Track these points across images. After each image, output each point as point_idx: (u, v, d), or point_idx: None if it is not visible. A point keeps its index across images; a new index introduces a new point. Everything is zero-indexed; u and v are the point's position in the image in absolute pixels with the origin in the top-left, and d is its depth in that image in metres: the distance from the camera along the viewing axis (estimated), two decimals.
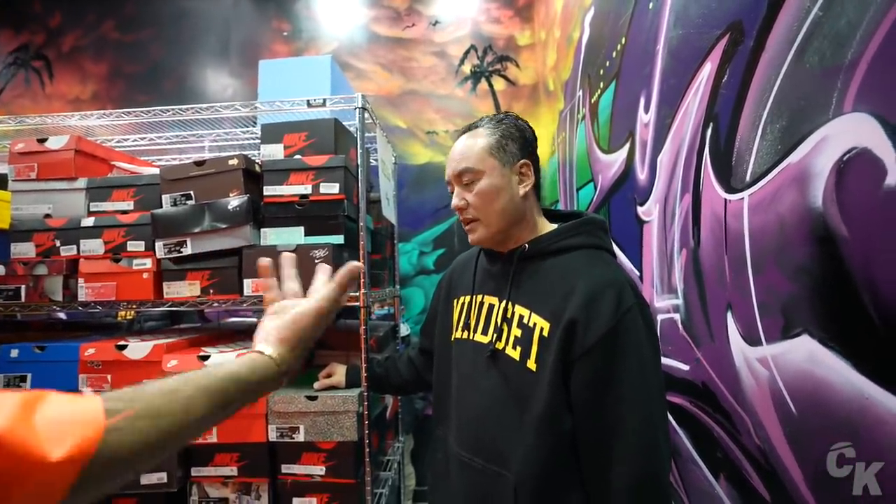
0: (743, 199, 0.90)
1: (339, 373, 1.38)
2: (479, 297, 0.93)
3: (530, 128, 0.93)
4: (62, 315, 2.29)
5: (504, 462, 0.80)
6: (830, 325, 0.71)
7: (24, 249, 1.44)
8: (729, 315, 0.96)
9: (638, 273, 1.43)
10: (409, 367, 1.24)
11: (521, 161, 0.88)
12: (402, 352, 1.32)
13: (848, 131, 0.66)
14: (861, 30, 0.63)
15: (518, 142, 0.88)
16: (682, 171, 1.15)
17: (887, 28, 0.59)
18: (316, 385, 1.36)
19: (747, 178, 0.89)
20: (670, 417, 1.21)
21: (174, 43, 2.99)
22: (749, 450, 0.91)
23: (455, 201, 0.89)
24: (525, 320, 0.82)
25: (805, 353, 0.75)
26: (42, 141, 1.48)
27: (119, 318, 2.24)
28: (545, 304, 0.81)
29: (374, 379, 1.32)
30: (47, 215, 1.48)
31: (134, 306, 1.43)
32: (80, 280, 1.41)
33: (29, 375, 1.36)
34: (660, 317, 1.27)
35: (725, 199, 0.96)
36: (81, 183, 1.48)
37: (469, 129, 0.92)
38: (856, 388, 0.66)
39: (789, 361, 0.79)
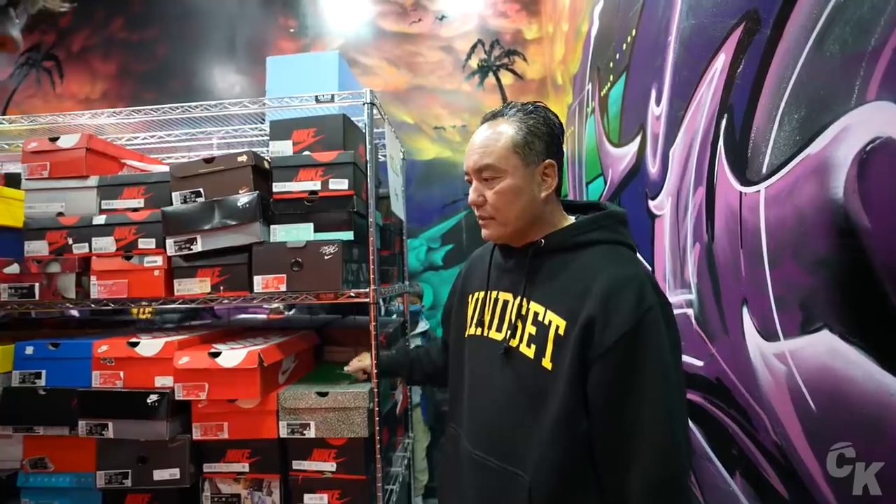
0: (759, 191, 0.88)
1: (366, 357, 1.37)
2: (494, 293, 0.90)
3: (559, 122, 0.86)
4: (75, 312, 2.32)
5: (519, 462, 0.79)
6: (852, 319, 0.69)
7: (37, 248, 1.45)
8: (744, 310, 0.94)
9: (650, 268, 1.41)
10: (442, 356, 1.17)
11: (546, 161, 0.83)
12: (437, 341, 1.25)
13: (871, 120, 0.64)
14: (886, 14, 0.61)
15: (545, 140, 0.82)
16: (695, 163, 1.13)
17: None
18: (347, 369, 1.37)
19: (764, 170, 0.87)
20: None
21: (181, 41, 3.01)
22: (766, 447, 0.90)
23: (472, 196, 0.85)
24: (540, 318, 0.80)
25: (825, 348, 0.73)
26: (54, 140, 1.49)
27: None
28: (561, 302, 0.79)
29: (402, 364, 1.24)
30: (60, 213, 1.49)
31: (146, 304, 1.44)
32: (93, 278, 1.42)
33: (44, 372, 1.38)
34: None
35: (741, 192, 0.94)
36: (93, 181, 1.49)
37: (494, 116, 0.85)
38: (880, 385, 0.64)
39: (808, 357, 0.77)
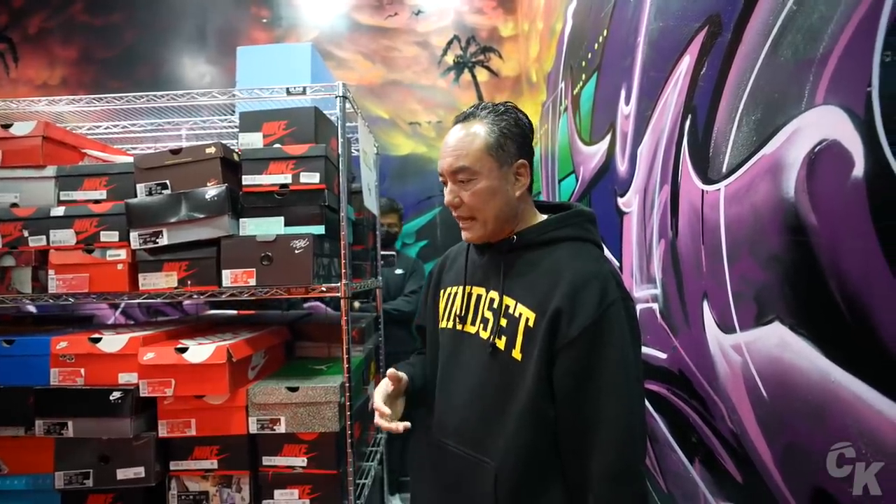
0: (719, 190, 0.92)
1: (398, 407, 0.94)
2: (469, 287, 0.93)
3: (529, 122, 0.89)
4: (32, 308, 2.22)
5: (485, 449, 0.81)
6: (800, 311, 0.73)
7: None
8: (705, 303, 0.98)
9: (618, 263, 1.45)
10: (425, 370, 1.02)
11: (519, 162, 0.85)
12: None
13: (819, 123, 0.68)
14: (832, 24, 0.64)
15: (517, 141, 0.85)
16: (661, 162, 1.16)
17: (857, 22, 0.61)
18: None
19: (724, 169, 0.91)
20: (648, 404, 1.24)
21: (148, 28, 2.90)
22: (723, 434, 0.94)
23: (448, 198, 0.86)
24: (511, 310, 0.83)
25: (776, 339, 0.77)
26: (6, 126, 1.41)
27: None
28: (531, 295, 0.82)
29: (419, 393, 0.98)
30: (14, 204, 1.42)
31: (108, 298, 1.40)
32: (51, 272, 1.37)
33: None
34: (639, 306, 1.29)
35: (703, 191, 0.98)
36: (50, 171, 1.42)
37: (467, 117, 0.87)
38: (822, 373, 0.68)
39: (761, 348, 0.81)
